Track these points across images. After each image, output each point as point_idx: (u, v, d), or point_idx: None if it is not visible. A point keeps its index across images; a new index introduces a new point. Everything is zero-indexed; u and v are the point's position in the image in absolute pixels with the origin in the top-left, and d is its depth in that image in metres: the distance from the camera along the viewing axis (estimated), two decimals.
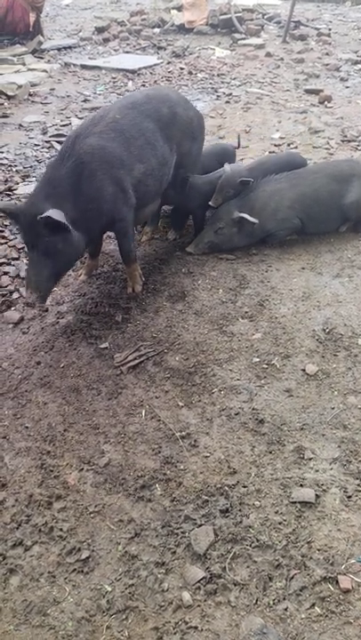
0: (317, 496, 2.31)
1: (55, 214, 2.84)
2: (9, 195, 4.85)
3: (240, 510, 2.27)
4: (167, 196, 3.91)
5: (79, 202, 3.10)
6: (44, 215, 2.83)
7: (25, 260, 3.96)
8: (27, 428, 2.71)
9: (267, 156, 5.26)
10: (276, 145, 5.81)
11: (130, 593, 2.02)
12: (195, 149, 3.96)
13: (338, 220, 4.15)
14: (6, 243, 4.14)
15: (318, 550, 2.12)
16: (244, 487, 2.37)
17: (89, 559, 2.14)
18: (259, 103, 7.21)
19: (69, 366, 3.06)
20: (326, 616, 1.93)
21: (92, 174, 3.14)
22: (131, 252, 3.54)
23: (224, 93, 7.61)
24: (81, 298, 3.59)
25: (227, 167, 4.04)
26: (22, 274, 3.81)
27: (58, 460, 2.54)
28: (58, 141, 6.08)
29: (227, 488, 2.36)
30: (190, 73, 8.55)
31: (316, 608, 1.95)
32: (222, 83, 8.10)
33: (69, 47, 10.15)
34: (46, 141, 6.11)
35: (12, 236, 4.21)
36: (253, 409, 2.74)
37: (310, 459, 2.48)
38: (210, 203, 3.97)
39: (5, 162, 5.59)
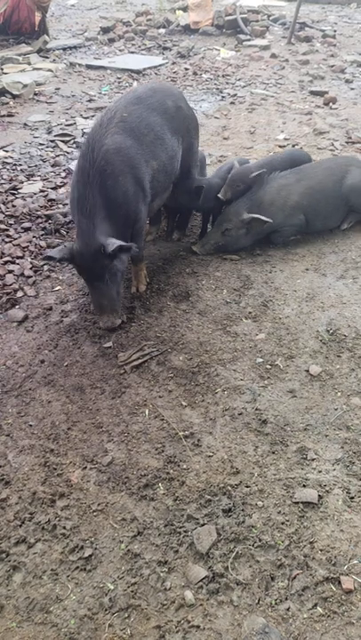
0: (320, 497, 2.31)
1: (118, 241, 2.93)
2: (13, 194, 4.86)
3: (243, 510, 2.28)
4: (182, 202, 4.00)
5: (112, 212, 3.11)
6: (116, 247, 2.89)
7: (29, 259, 3.97)
8: (30, 426, 2.72)
9: (271, 155, 5.29)
10: (280, 146, 5.82)
11: (132, 591, 2.03)
12: (195, 146, 4.02)
13: (341, 213, 4.22)
14: (11, 241, 4.15)
15: (321, 551, 2.12)
16: (247, 487, 2.37)
17: (92, 557, 2.15)
18: (263, 104, 7.21)
19: (73, 365, 3.07)
20: (328, 616, 1.93)
21: (115, 181, 3.13)
22: (141, 251, 3.57)
23: (229, 94, 7.61)
24: (85, 297, 3.60)
25: (235, 163, 4.14)
26: (26, 272, 3.82)
27: (61, 458, 2.54)
28: (62, 141, 6.10)
29: (230, 488, 2.37)
30: (195, 73, 8.56)
31: (318, 608, 1.95)
32: (227, 83, 8.11)
33: (75, 47, 10.17)
34: (51, 141, 6.13)
35: (16, 235, 4.21)
36: (257, 409, 2.75)
37: (313, 459, 2.48)
38: (219, 195, 4.01)
39: (10, 161, 5.60)
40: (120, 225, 3.15)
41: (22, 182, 5.10)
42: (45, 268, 3.92)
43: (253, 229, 3.93)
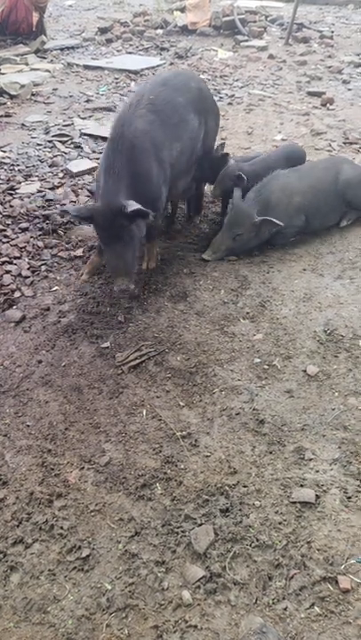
0: (317, 496, 2.31)
1: (137, 204, 3.02)
2: (11, 194, 4.85)
3: (240, 510, 2.28)
4: (201, 176, 4.18)
5: (135, 186, 3.24)
6: (134, 208, 3.00)
7: (27, 260, 3.96)
8: (28, 426, 2.71)
9: (267, 153, 5.32)
10: (277, 147, 5.82)
11: (130, 591, 2.03)
12: (214, 127, 4.19)
13: (338, 211, 4.28)
14: (8, 242, 4.14)
15: (318, 550, 2.12)
16: (245, 487, 2.37)
17: (89, 557, 2.15)
18: (261, 105, 7.22)
19: (71, 365, 3.07)
20: (326, 616, 1.93)
21: (142, 158, 3.31)
22: (156, 230, 3.70)
23: (227, 95, 7.62)
24: (83, 297, 3.60)
25: (231, 160, 4.27)
26: (24, 273, 3.82)
27: (59, 458, 2.54)
28: (60, 141, 6.10)
29: (227, 488, 2.37)
30: None
31: (315, 608, 1.95)
32: (225, 84, 8.12)
33: (72, 47, 10.16)
34: (49, 141, 6.12)
35: (14, 235, 4.21)
36: (254, 409, 2.75)
37: (311, 459, 2.49)
38: (210, 192, 4.11)
39: (8, 161, 5.60)
40: (141, 202, 3.20)
41: (20, 182, 5.10)
42: (43, 268, 3.91)
43: (263, 231, 3.94)
